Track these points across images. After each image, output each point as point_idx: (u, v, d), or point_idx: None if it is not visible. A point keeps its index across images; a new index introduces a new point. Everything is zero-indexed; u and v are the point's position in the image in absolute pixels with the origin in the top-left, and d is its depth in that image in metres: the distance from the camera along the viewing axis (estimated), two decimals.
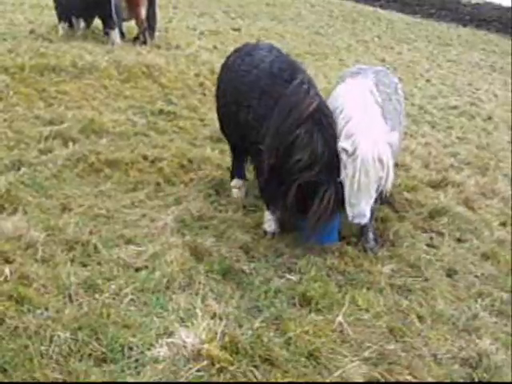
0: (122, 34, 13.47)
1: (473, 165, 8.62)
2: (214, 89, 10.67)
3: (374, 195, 4.98)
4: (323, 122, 5.00)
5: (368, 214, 4.93)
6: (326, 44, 19.00)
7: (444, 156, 8.83)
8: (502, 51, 25.72)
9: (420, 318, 4.66)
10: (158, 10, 13.80)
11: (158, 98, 9.88)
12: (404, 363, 4.00)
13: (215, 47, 14.59)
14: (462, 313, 4.78)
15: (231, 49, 14.46)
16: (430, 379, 3.96)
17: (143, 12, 13.14)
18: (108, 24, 12.68)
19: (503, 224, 6.63)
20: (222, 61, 12.63)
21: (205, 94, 10.51)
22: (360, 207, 4.85)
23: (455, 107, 12.91)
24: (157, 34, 13.84)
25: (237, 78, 5.86)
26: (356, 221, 4.93)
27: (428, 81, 15.98)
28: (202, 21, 19.58)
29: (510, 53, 24.64)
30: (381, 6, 34.84)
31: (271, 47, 6.01)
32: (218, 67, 11.92)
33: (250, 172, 6.58)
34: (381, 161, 4.80)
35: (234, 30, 18.59)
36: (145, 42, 13.27)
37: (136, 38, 13.48)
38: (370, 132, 4.87)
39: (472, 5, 33.82)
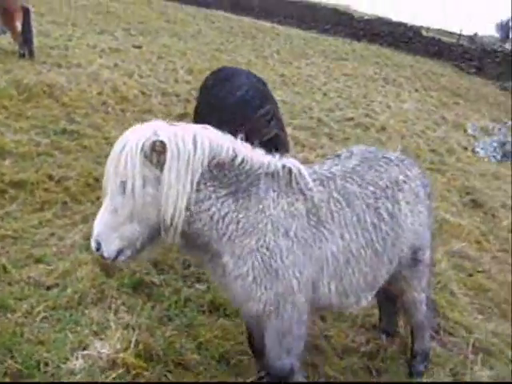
0: None
1: None
2: (117, 107, 10.95)
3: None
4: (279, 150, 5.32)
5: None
6: (226, 60, 19.35)
7: None
8: (395, 64, 27.12)
9: (322, 317, 5.01)
10: (33, 24, 14.02)
11: (60, 118, 9.84)
12: (307, 360, 4.32)
13: (116, 65, 14.60)
14: (360, 310, 5.16)
15: (133, 66, 14.94)
16: (331, 372, 4.31)
17: (18, 26, 13.26)
18: None
19: None
20: (125, 79, 13.02)
21: (108, 113, 10.56)
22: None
23: (351, 119, 13.58)
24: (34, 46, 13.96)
25: (214, 101, 6.24)
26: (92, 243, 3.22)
27: (325, 94, 16.66)
28: (102, 38, 19.46)
29: (402, 66, 26.10)
30: (279, 22, 35.82)
31: (248, 73, 6.44)
32: (120, 85, 12.25)
33: None
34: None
35: (135, 47, 18.62)
36: (23, 55, 13.31)
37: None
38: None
39: (365, 20, 35.37)
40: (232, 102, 5.83)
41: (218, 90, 6.45)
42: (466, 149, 13.27)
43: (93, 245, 3.19)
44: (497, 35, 64.02)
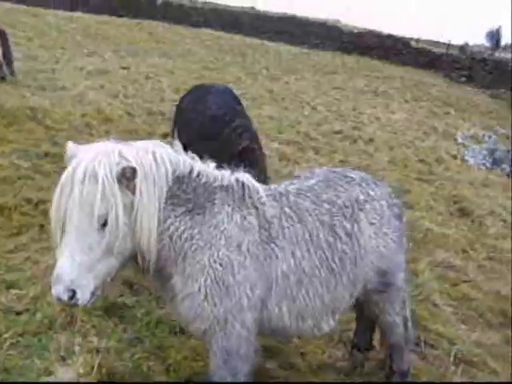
0: None
1: None
2: (101, 128, 10.88)
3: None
4: (251, 159, 5.24)
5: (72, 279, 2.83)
6: (214, 78, 19.32)
7: None
8: (385, 76, 27.14)
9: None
10: (11, 46, 14.15)
11: (43, 141, 9.77)
12: (281, 377, 4.21)
13: (102, 86, 14.58)
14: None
15: (119, 87, 14.90)
16: None
17: None
18: None
19: None
20: (110, 100, 12.98)
21: (92, 135, 10.46)
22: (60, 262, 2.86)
23: (339, 132, 13.55)
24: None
25: (188, 120, 6.39)
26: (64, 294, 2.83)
27: (314, 108, 16.63)
28: (91, 60, 19.46)
29: (392, 77, 26.12)
30: (269, 38, 35.93)
31: (223, 91, 6.44)
32: (104, 106, 12.21)
33: None
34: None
35: (123, 68, 18.64)
36: (4, 78, 13.34)
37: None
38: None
39: (354, 34, 35.48)
40: (204, 120, 5.83)
41: (191, 109, 6.45)
42: (455, 157, 13.20)
43: (64, 296, 2.79)
44: (487, 44, 64.30)
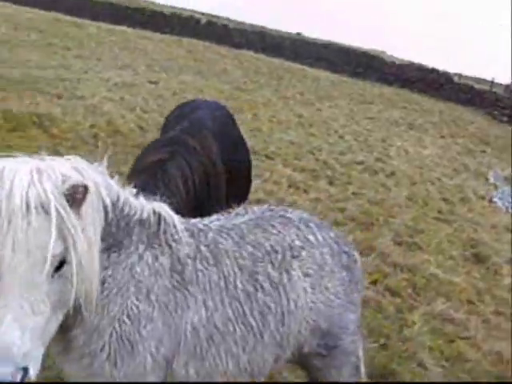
0: None
1: (358, 220, 8.47)
2: (108, 140, 10.50)
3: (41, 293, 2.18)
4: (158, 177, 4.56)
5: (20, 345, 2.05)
6: (244, 99, 18.97)
7: (330, 211, 8.65)
8: (423, 110, 26.42)
9: None
10: None
11: (44, 149, 9.38)
12: None
13: (122, 99, 14.31)
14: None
15: (140, 101, 14.59)
16: None
17: None
18: None
19: (374, 282, 6.41)
20: (125, 113, 12.65)
21: (97, 146, 10.12)
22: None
23: (361, 163, 12.92)
24: None
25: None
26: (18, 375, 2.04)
27: (341, 137, 16.05)
28: (121, 73, 19.30)
29: (431, 111, 25.39)
30: (310, 64, 35.55)
31: (210, 109, 5.74)
32: (116, 118, 11.88)
33: None
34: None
35: (151, 82, 18.41)
36: None
37: None
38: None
39: (396, 65, 34.86)
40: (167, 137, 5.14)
41: (168, 126, 5.86)
42: (482, 198, 12.40)
43: (17, 378, 2.01)
44: None
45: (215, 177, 4.75)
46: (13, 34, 23.88)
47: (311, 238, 3.20)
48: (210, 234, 2.96)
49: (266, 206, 3.50)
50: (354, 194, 10.12)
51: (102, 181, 2.47)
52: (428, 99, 30.91)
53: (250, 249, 3.00)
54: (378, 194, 10.46)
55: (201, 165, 4.57)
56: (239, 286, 2.89)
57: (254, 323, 2.90)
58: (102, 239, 2.46)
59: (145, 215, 2.73)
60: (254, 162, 10.97)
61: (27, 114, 10.57)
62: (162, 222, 2.78)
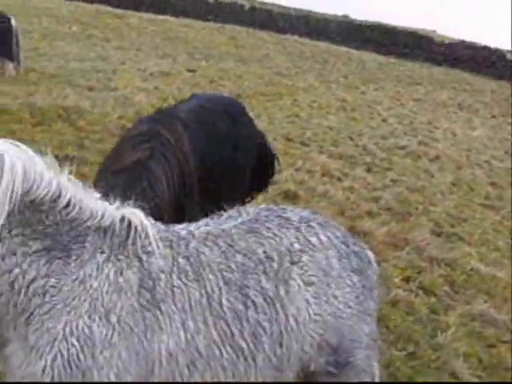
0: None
1: (394, 210, 7.88)
2: None
3: None
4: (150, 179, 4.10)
5: None
6: (285, 84, 18.44)
7: (364, 201, 8.08)
8: (474, 89, 25.38)
9: None
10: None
11: (69, 143, 9.14)
12: None
13: (156, 88, 13.99)
14: None
15: (174, 90, 14.23)
16: None
17: None
18: (7, 55, 12.61)
19: (406, 279, 5.85)
20: (157, 103, 12.29)
21: None
22: None
23: (403, 147, 12.25)
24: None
25: None
26: None
27: (384, 120, 15.38)
28: (160, 62, 19.02)
29: (482, 91, 24.31)
30: (356, 47, 34.66)
31: (200, 101, 5.26)
32: (145, 108, 11.50)
33: None
34: None
35: (190, 71, 18.05)
36: None
37: None
38: None
39: (446, 44, 33.63)
40: None
41: None
42: None
43: None
44: None
45: (189, 174, 4.30)
46: (54, 27, 23.89)
47: (313, 239, 2.74)
48: (192, 244, 2.56)
49: (262, 205, 3.06)
50: (392, 181, 9.51)
51: (28, 171, 2.17)
52: (479, 78, 29.72)
53: (240, 259, 2.57)
54: (419, 180, 9.82)
55: (177, 161, 4.14)
56: (225, 303, 2.48)
57: (244, 345, 2.49)
58: (34, 238, 2.21)
59: (107, 222, 2.39)
60: (288, 150, 10.60)
61: (53, 107, 10.34)
62: (132, 231, 2.43)
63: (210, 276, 2.48)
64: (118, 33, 25.22)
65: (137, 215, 2.48)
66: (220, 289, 2.48)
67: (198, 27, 31.96)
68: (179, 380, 2.39)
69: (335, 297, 2.67)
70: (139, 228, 2.44)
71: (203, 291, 2.45)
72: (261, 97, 15.71)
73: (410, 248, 6.52)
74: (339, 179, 9.12)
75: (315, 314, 2.61)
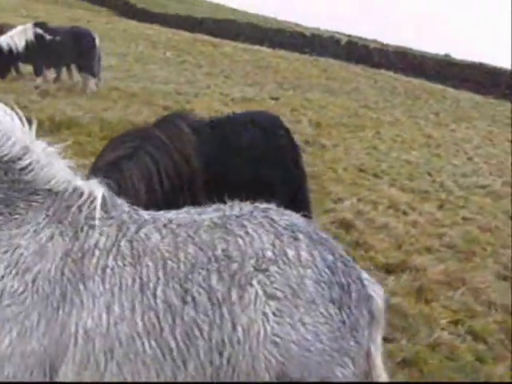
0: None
1: (457, 248, 7.23)
2: None
3: None
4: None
5: None
6: (370, 117, 17.98)
7: (427, 236, 7.49)
8: None
9: None
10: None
11: None
12: None
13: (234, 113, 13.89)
14: None
15: None
16: None
17: None
18: (90, 71, 13.19)
19: (455, 322, 5.25)
20: None
21: None
22: None
23: (484, 186, 11.49)
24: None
25: None
26: None
27: (470, 159, 14.60)
28: (246, 89, 19.05)
29: None
30: (453, 86, 33.58)
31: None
32: None
33: None
34: None
35: (272, 98, 17.94)
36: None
37: None
38: None
39: None
40: None
41: None
42: None
43: None
44: None
45: (190, 175, 4.09)
46: (149, 52, 24.58)
47: (291, 252, 2.40)
48: (144, 229, 2.40)
49: (257, 204, 2.70)
50: (464, 219, 8.83)
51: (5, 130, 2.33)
52: None
53: (192, 251, 2.33)
54: (495, 220, 9.07)
55: (171, 161, 3.93)
56: (159, 294, 2.26)
57: (173, 344, 2.23)
58: None
59: (60, 187, 2.41)
60: (357, 180, 10.15)
61: (123, 122, 10.40)
62: (81, 201, 2.39)
63: (150, 263, 2.28)
64: (210, 60, 25.63)
65: (97, 189, 2.44)
66: (158, 278, 2.26)
67: (292, 58, 32.03)
68: (93, 365, 2.21)
69: (303, 323, 2.30)
70: (89, 200, 2.39)
71: (137, 277, 2.26)
72: (342, 127, 15.34)
73: (465, 289, 5.91)
74: (404, 213, 8.56)
75: (274, 335, 2.26)
